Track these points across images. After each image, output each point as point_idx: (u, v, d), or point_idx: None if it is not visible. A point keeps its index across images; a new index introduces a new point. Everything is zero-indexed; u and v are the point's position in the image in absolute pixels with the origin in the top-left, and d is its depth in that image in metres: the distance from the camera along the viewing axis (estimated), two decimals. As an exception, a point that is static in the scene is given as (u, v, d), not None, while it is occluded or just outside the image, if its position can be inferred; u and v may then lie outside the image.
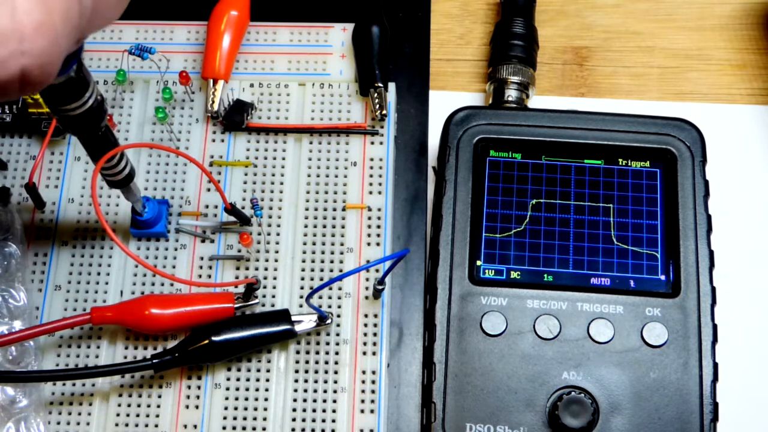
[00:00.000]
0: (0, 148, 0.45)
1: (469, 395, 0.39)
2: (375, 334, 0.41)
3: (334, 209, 0.43)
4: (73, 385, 0.40)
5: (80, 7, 0.26)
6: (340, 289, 0.42)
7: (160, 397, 0.40)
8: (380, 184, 0.43)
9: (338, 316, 0.41)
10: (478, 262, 0.42)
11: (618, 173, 0.43)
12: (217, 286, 0.41)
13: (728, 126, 0.48)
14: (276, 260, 0.42)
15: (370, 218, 0.43)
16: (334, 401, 0.40)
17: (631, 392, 0.39)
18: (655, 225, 0.42)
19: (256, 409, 0.40)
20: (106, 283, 0.42)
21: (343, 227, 0.43)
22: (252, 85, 0.46)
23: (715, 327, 0.40)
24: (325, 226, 0.43)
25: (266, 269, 0.42)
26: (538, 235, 0.42)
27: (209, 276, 0.42)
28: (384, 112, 0.44)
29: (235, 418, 0.40)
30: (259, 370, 0.40)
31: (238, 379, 0.40)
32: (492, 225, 0.42)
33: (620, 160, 0.43)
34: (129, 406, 0.40)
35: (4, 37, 0.24)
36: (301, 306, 0.41)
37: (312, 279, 0.42)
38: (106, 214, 0.43)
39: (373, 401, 0.40)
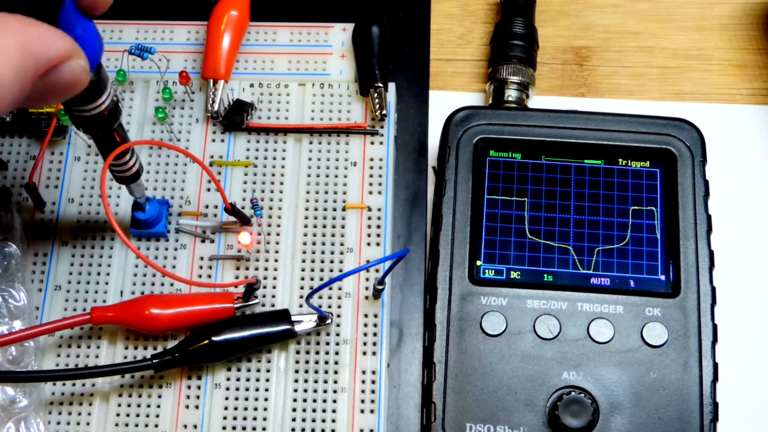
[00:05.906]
0: (0, 148, 0.45)
1: (469, 395, 0.39)
2: (375, 334, 0.41)
3: (334, 209, 0.43)
4: (73, 385, 0.40)
5: None
6: (340, 289, 0.41)
7: (160, 397, 0.40)
8: (380, 184, 0.43)
9: (338, 316, 0.41)
10: (478, 262, 0.42)
11: (618, 173, 0.43)
12: (217, 287, 0.41)
13: (728, 126, 0.48)
14: (276, 260, 0.42)
15: (370, 218, 0.43)
16: (334, 401, 0.40)
17: (631, 392, 0.39)
18: (655, 225, 0.42)
19: (256, 409, 0.40)
20: (106, 283, 0.42)
21: (343, 227, 0.43)
22: (252, 85, 0.46)
23: (715, 327, 0.40)
24: (325, 226, 0.43)
25: (266, 269, 0.42)
26: (538, 235, 0.42)
27: (209, 276, 0.42)
28: (384, 112, 0.44)
29: (235, 418, 0.40)
30: (259, 370, 0.40)
31: (238, 379, 0.40)
32: (492, 225, 0.42)
33: (620, 160, 0.43)
34: (129, 406, 0.40)
35: None
36: (301, 306, 0.41)
37: (312, 279, 0.42)
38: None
39: (373, 401, 0.40)
